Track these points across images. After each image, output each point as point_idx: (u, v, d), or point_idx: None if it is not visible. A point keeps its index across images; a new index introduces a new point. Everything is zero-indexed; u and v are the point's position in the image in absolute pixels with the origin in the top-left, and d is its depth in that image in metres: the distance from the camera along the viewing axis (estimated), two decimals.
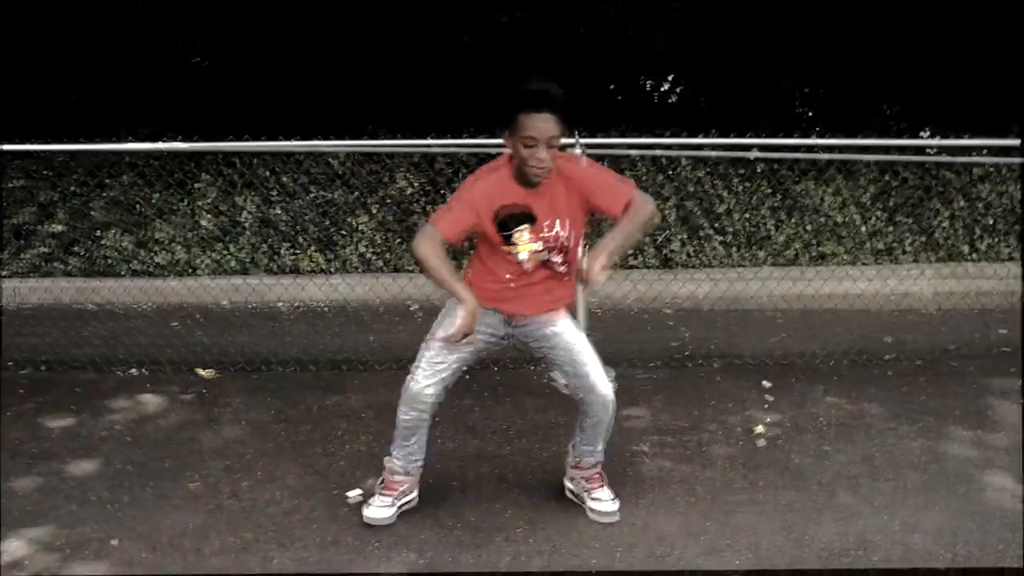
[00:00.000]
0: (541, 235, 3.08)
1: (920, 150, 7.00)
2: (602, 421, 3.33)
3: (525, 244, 3.08)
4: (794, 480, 3.69)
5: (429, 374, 3.23)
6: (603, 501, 3.41)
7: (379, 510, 3.37)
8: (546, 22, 8.03)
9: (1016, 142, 5.40)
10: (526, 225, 3.06)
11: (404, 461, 3.40)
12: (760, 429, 4.20)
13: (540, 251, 3.11)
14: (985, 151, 6.23)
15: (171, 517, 3.46)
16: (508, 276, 3.16)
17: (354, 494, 3.60)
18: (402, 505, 3.42)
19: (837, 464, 3.83)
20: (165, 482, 3.76)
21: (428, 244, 2.99)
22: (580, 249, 3.22)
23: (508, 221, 3.05)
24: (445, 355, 3.21)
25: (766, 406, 4.51)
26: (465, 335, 3.00)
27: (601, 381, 3.25)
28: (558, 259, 3.17)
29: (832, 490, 3.60)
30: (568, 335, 3.25)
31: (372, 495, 3.45)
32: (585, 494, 3.45)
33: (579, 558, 3.15)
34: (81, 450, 4.09)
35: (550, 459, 3.91)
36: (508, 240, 3.08)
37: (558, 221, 3.09)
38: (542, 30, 8.03)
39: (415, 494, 3.47)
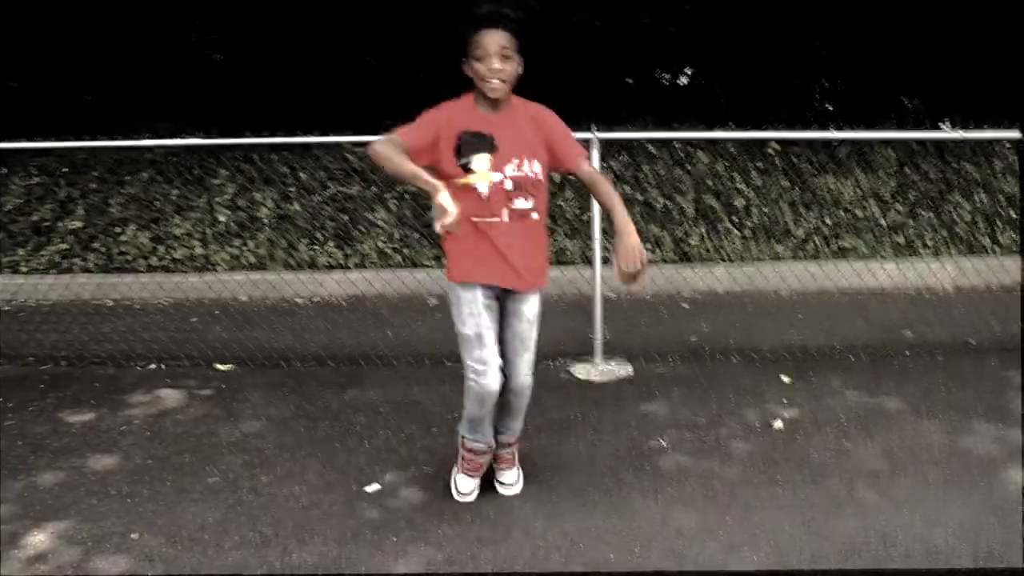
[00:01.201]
0: (505, 167, 3.01)
1: (940, 142, 6.95)
2: (513, 406, 3.40)
3: (484, 173, 3.01)
4: (813, 475, 3.67)
5: (485, 369, 3.16)
6: (505, 486, 3.59)
7: (468, 496, 3.54)
8: (562, 14, 8.01)
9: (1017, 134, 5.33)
10: (486, 154, 3.00)
11: (480, 439, 3.44)
12: (779, 423, 4.18)
13: (503, 184, 3.02)
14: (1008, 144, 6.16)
15: (191, 511, 3.48)
16: (475, 219, 3.03)
17: (373, 489, 3.60)
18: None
19: (856, 458, 3.81)
20: (184, 476, 3.78)
21: (384, 143, 2.95)
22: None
23: (466, 148, 3.00)
24: (479, 342, 3.15)
25: (785, 400, 4.48)
26: (448, 219, 2.74)
27: (525, 372, 3.32)
28: (527, 202, 3.09)
29: (852, 485, 3.58)
30: (526, 323, 3.25)
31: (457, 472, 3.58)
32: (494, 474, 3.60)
33: (597, 553, 3.14)
34: (101, 445, 4.11)
35: (567, 454, 3.90)
36: (466, 168, 3.01)
37: (526, 159, 3.05)
38: (558, 22, 8.01)
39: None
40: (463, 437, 3.46)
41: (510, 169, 3.03)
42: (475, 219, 3.04)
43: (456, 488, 3.53)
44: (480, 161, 3.00)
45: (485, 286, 3.14)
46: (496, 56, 2.92)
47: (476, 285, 3.13)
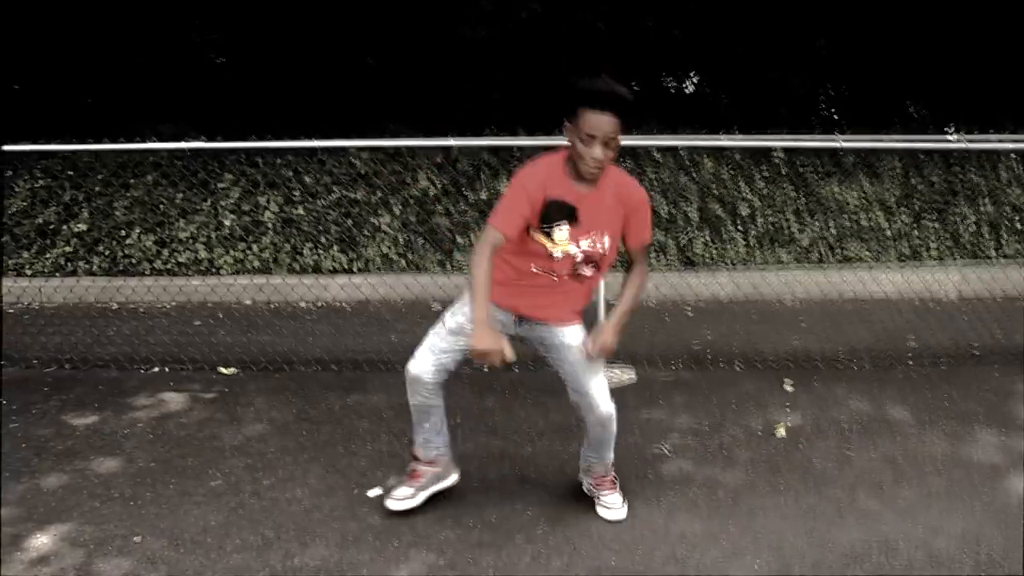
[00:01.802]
0: (581, 240, 3.05)
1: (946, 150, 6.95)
2: (603, 439, 3.36)
3: (563, 242, 3.05)
4: (816, 482, 3.67)
5: (429, 358, 3.22)
6: (611, 509, 3.46)
7: (397, 502, 3.45)
8: (567, 19, 8.01)
9: None
10: (566, 223, 3.02)
11: (423, 448, 3.44)
12: (782, 430, 4.18)
13: (574, 255, 3.07)
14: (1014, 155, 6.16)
15: (193, 514, 3.48)
16: (535, 269, 3.11)
17: (375, 493, 3.60)
18: (431, 492, 3.48)
19: (859, 466, 3.81)
20: (187, 480, 3.78)
21: (480, 255, 2.96)
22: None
23: (551, 214, 3.01)
24: (451, 342, 3.21)
25: (788, 407, 4.48)
26: (485, 355, 2.88)
27: (602, 401, 3.25)
28: (588, 271, 3.15)
29: (854, 493, 3.57)
30: (575, 350, 3.24)
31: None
32: (595, 497, 3.51)
33: (599, 559, 3.14)
34: (104, 447, 4.12)
35: (571, 460, 3.89)
36: (547, 234, 3.04)
37: (606, 235, 3.09)
38: (562, 27, 8.02)
39: (453, 477, 3.54)
40: (412, 449, 3.51)
41: (585, 244, 3.07)
42: (534, 268, 3.11)
43: (390, 502, 3.48)
44: (560, 231, 3.03)
45: (501, 309, 3.20)
46: (601, 143, 2.89)
47: (492, 302, 3.09)
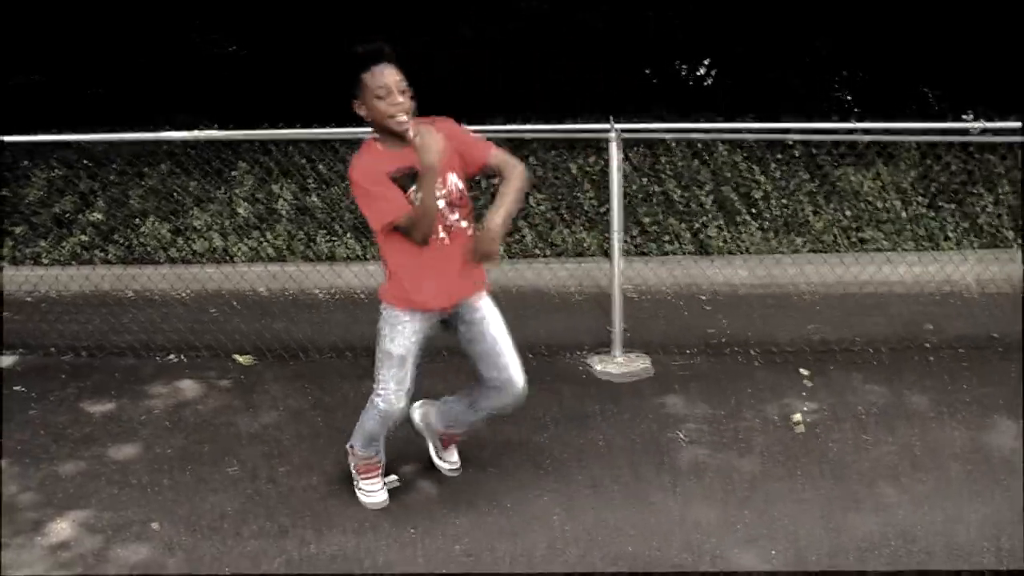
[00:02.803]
0: (437, 191, 2.98)
1: (963, 133, 6.88)
2: (501, 410, 3.36)
3: None
4: (833, 470, 3.65)
5: (400, 392, 3.24)
6: (450, 463, 3.64)
7: (376, 495, 3.49)
8: (581, 5, 7.99)
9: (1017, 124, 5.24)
10: (413, 184, 2.97)
11: (373, 451, 3.46)
12: (798, 418, 4.16)
13: (441, 208, 3.00)
14: None
15: (210, 501, 3.51)
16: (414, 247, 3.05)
17: (390, 480, 3.61)
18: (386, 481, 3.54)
19: (877, 454, 3.79)
20: (204, 467, 3.80)
21: (407, 226, 2.95)
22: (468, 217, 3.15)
23: (403, 186, 2.98)
24: (406, 365, 3.21)
25: (804, 394, 4.46)
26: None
27: (518, 374, 3.24)
28: (458, 217, 3.08)
29: (872, 481, 3.56)
30: (493, 325, 3.22)
31: (358, 484, 3.53)
32: (437, 452, 3.63)
33: (615, 546, 3.14)
34: (122, 434, 4.15)
35: (586, 447, 3.90)
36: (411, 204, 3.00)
37: (449, 174, 3.03)
38: (576, 13, 7.99)
39: None
40: (354, 450, 3.47)
41: (442, 189, 3.01)
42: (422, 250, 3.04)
43: (367, 498, 3.49)
44: (416, 193, 2.95)
45: (429, 312, 3.17)
46: (397, 91, 2.89)
47: (418, 312, 3.14)
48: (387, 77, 2.88)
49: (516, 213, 2.99)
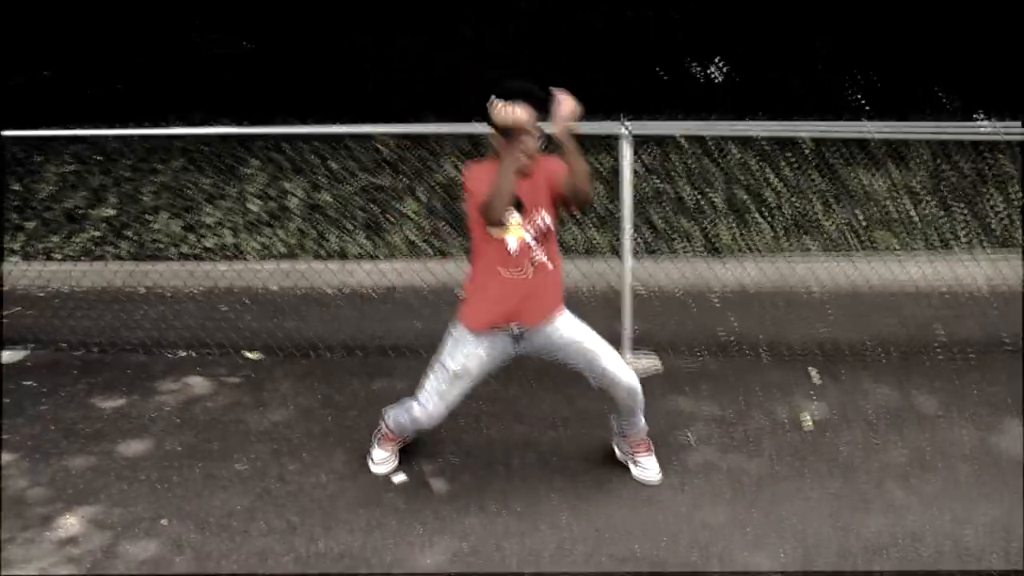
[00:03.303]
0: (529, 223, 3.21)
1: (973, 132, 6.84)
2: (633, 407, 3.46)
3: (515, 229, 3.20)
4: (842, 471, 3.64)
5: (442, 407, 3.39)
6: (647, 470, 3.62)
7: (381, 466, 3.71)
8: (593, 4, 7.97)
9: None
10: (515, 211, 3.18)
11: (401, 431, 3.63)
12: (807, 419, 4.15)
13: (528, 240, 3.21)
14: None
15: (219, 498, 3.51)
16: (503, 272, 3.23)
17: (399, 479, 3.62)
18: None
19: (886, 455, 3.77)
20: (213, 463, 3.81)
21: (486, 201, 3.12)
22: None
23: None
24: (459, 386, 3.35)
25: (814, 395, 4.45)
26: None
27: (622, 371, 3.35)
28: (542, 253, 3.26)
29: (880, 482, 3.55)
30: (572, 334, 3.35)
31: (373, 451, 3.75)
32: (630, 460, 3.66)
33: (623, 546, 3.14)
34: (132, 431, 4.16)
35: (595, 446, 3.89)
36: (501, 224, 3.18)
37: (543, 210, 3.23)
38: (589, 12, 7.97)
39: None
40: (386, 422, 3.67)
41: (534, 224, 3.23)
42: (502, 272, 3.24)
43: (373, 466, 3.72)
44: (512, 217, 3.19)
45: (496, 335, 3.31)
46: (526, 135, 3.10)
47: (485, 336, 3.30)
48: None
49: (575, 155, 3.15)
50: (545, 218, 3.24)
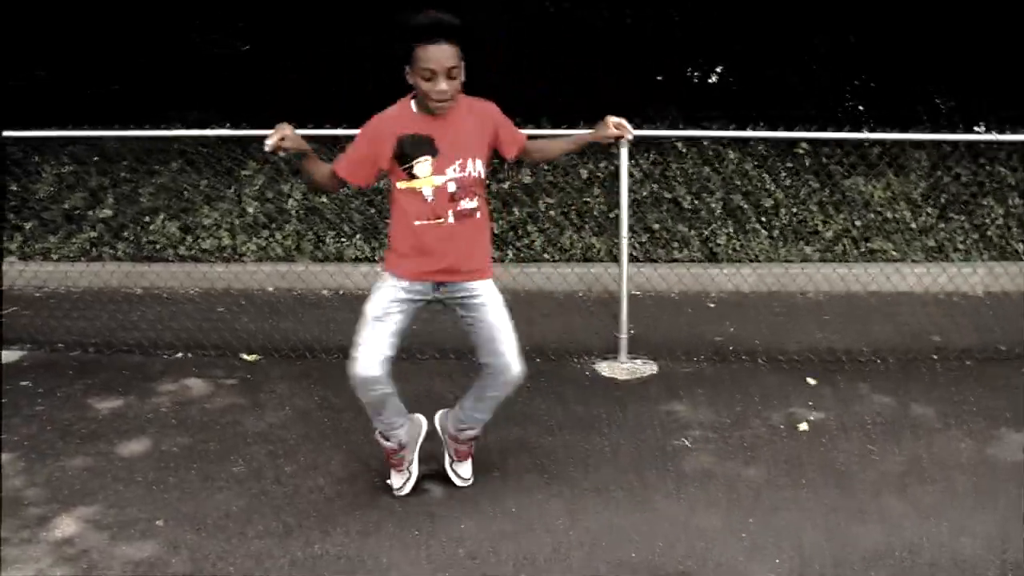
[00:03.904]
0: (447, 170, 3.02)
1: (974, 145, 6.87)
2: (499, 397, 3.33)
3: (427, 177, 3.02)
4: (838, 480, 3.64)
5: (370, 354, 3.12)
6: (462, 478, 3.58)
7: (401, 491, 3.52)
8: (593, 12, 7.99)
9: None
10: (427, 157, 3.01)
11: (391, 434, 3.38)
12: (804, 426, 4.16)
13: (446, 187, 3.03)
14: None
15: (215, 499, 3.51)
16: (419, 223, 3.06)
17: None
18: (417, 455, 3.56)
19: (883, 464, 3.78)
20: (210, 465, 3.81)
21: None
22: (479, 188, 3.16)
23: (407, 152, 3.01)
24: (382, 328, 3.14)
25: (811, 403, 4.45)
26: (279, 141, 3.21)
27: (515, 361, 3.21)
28: (472, 202, 3.10)
29: (877, 491, 3.55)
30: (493, 311, 3.20)
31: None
32: (450, 464, 3.60)
33: (619, 552, 3.14)
34: (128, 431, 4.15)
35: (591, 451, 3.90)
36: (409, 173, 3.03)
37: (471, 160, 3.05)
38: (588, 20, 7.99)
39: (423, 425, 3.62)
40: (379, 441, 3.45)
41: (452, 171, 3.03)
42: (418, 222, 3.06)
43: (392, 484, 3.55)
44: (422, 166, 3.01)
45: (416, 282, 3.17)
46: (443, 76, 2.87)
47: (405, 279, 3.16)
48: (439, 58, 2.84)
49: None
50: (473, 165, 3.06)
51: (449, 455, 3.60)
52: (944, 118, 8.18)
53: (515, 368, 3.22)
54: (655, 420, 4.25)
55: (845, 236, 7.04)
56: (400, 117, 3.04)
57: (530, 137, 3.46)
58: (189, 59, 8.24)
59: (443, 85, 2.87)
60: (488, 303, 3.20)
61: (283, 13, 8.01)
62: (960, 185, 7.09)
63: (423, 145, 3.00)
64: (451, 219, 3.07)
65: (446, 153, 3.02)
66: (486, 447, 3.87)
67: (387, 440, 3.39)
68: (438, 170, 3.02)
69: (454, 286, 3.19)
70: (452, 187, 3.03)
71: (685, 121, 7.12)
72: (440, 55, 2.83)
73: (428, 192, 3.03)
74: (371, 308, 3.17)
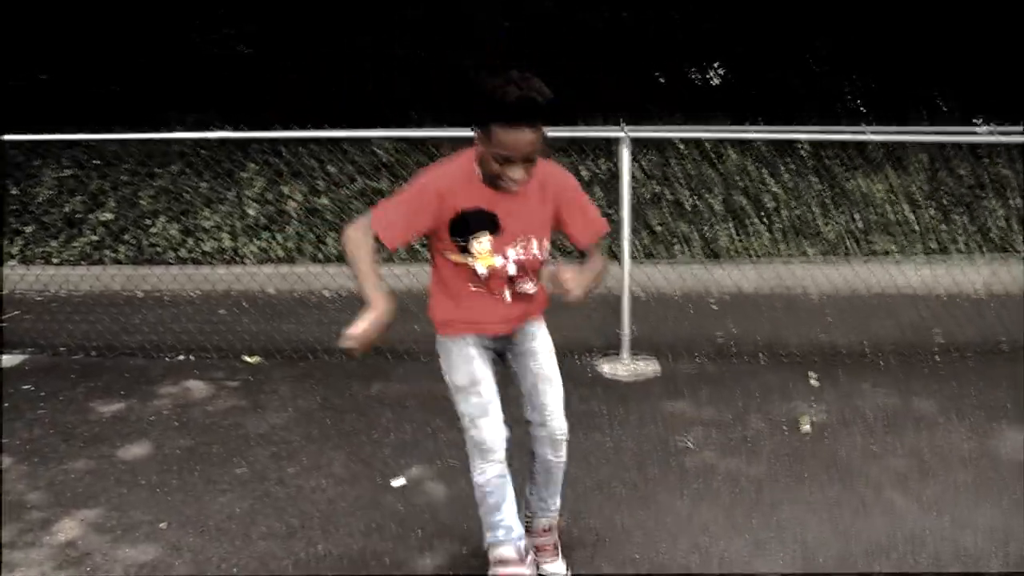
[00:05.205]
0: (507, 250, 2.61)
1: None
2: (552, 466, 2.90)
3: (484, 256, 2.60)
4: (841, 475, 3.64)
5: (490, 419, 2.73)
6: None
7: None
8: (593, 13, 7.98)
9: None
10: (486, 233, 2.57)
11: (506, 538, 2.79)
12: (806, 423, 4.15)
13: (501, 267, 2.63)
14: None
15: (218, 502, 3.51)
16: (472, 289, 2.69)
17: (398, 482, 3.62)
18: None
19: (885, 460, 3.78)
20: (212, 467, 3.81)
21: (359, 232, 2.53)
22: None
23: (469, 225, 2.56)
24: (483, 393, 2.74)
25: (812, 399, 4.45)
26: (361, 339, 2.39)
27: (558, 415, 2.84)
28: (529, 286, 2.73)
29: (880, 486, 3.55)
30: (542, 359, 2.84)
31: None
32: (536, 567, 2.94)
33: (623, 550, 3.14)
34: (131, 434, 4.16)
35: (593, 449, 3.90)
36: (464, 249, 2.59)
37: (534, 240, 2.64)
38: (586, 17, 7.98)
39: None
40: (489, 546, 2.85)
41: (513, 253, 2.63)
42: (472, 287, 2.69)
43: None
44: (480, 243, 2.58)
45: (473, 336, 2.77)
46: (521, 163, 2.43)
47: (469, 336, 2.76)
48: (520, 146, 2.38)
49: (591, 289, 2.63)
50: (536, 246, 2.64)
51: (531, 554, 2.92)
52: (944, 115, 8.16)
53: (556, 421, 2.84)
54: (657, 418, 4.25)
55: (846, 235, 7.03)
56: (464, 184, 2.55)
57: None
58: (189, 60, 8.23)
59: (520, 173, 2.44)
60: (539, 347, 2.85)
61: (283, 13, 8.01)
62: (960, 183, 7.08)
63: (485, 221, 2.56)
64: (507, 298, 2.72)
65: (509, 231, 2.59)
66: None
67: (504, 550, 2.79)
68: (497, 249, 2.60)
69: (513, 336, 2.84)
70: (512, 269, 2.64)
71: (687, 121, 7.13)
72: (523, 142, 2.37)
73: (482, 270, 2.62)
74: (459, 375, 2.75)
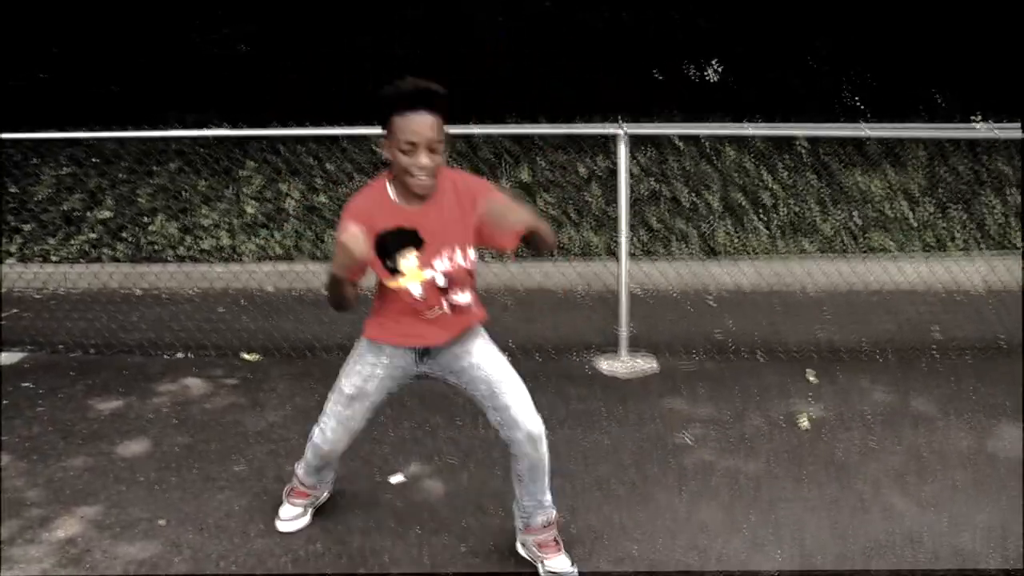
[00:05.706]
0: (435, 262, 2.64)
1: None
2: (535, 463, 2.87)
3: (415, 273, 2.64)
4: (839, 474, 3.65)
5: (340, 431, 2.98)
6: (559, 574, 2.97)
7: (289, 523, 3.30)
8: (593, 12, 7.98)
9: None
10: (412, 249, 2.62)
11: (317, 483, 3.29)
12: (804, 421, 4.16)
13: (431, 279, 2.66)
14: None
15: (217, 499, 3.51)
16: (412, 306, 2.72)
17: (396, 479, 3.62)
18: (316, 507, 3.38)
19: (883, 458, 3.78)
20: (211, 465, 3.81)
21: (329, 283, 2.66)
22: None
23: (389, 247, 2.62)
24: (355, 406, 2.92)
25: (811, 397, 4.46)
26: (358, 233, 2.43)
27: (527, 412, 2.83)
28: (464, 295, 2.76)
29: (878, 485, 3.55)
30: (486, 365, 2.85)
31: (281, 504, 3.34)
32: (539, 563, 3.01)
33: (621, 546, 3.14)
34: (129, 432, 4.16)
35: (592, 447, 3.90)
36: (393, 271, 2.65)
37: (458, 249, 2.66)
38: (586, 17, 7.98)
39: (327, 494, 3.42)
40: (296, 473, 3.29)
41: (440, 264, 2.65)
42: (413, 307, 2.72)
43: (280, 523, 3.30)
44: (407, 260, 2.63)
45: (399, 352, 2.85)
46: (425, 149, 2.49)
47: (386, 348, 2.85)
48: (421, 130, 2.47)
49: (536, 235, 2.66)
50: (461, 255, 2.66)
51: (533, 555, 3.03)
52: (941, 112, 8.17)
53: (527, 421, 2.82)
54: (656, 415, 4.25)
55: (844, 231, 7.04)
56: (379, 206, 2.63)
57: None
58: (189, 60, 8.23)
59: (424, 159, 2.49)
60: (476, 357, 2.86)
61: (283, 13, 8.01)
62: (959, 179, 7.09)
63: (406, 238, 2.62)
64: (446, 309, 2.74)
65: (432, 244, 2.63)
66: (486, 444, 3.88)
67: (309, 482, 3.27)
68: (425, 263, 2.64)
69: (436, 352, 2.86)
70: (441, 281, 2.67)
71: (684, 118, 7.13)
72: (422, 125, 2.47)
73: (416, 289, 2.67)
74: (345, 383, 2.93)
